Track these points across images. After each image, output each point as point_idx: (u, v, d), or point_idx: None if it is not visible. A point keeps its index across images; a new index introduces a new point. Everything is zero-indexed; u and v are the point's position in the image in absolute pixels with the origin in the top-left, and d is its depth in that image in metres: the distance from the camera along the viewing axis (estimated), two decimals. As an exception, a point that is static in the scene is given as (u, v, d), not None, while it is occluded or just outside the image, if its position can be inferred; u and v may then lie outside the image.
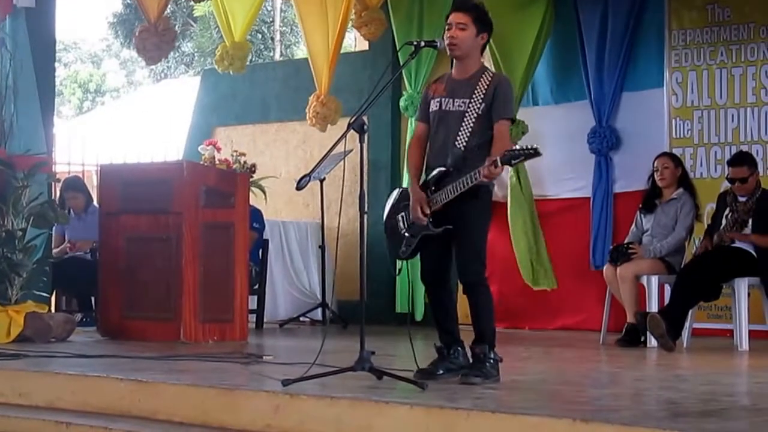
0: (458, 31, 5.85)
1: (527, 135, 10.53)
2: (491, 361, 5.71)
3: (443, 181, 5.77)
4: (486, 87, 5.80)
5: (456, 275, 5.84)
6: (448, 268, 5.90)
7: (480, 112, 5.77)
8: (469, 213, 5.75)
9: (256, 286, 10.02)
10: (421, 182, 5.89)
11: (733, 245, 8.48)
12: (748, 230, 8.45)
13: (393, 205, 6.05)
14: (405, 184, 10.96)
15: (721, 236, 8.51)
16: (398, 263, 5.98)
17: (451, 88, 5.90)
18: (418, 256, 5.95)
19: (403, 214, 5.94)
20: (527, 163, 10.35)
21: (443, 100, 5.88)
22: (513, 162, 5.61)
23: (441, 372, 5.80)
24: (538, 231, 10.54)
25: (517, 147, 5.66)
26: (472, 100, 5.80)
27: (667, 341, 7.95)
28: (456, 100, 5.84)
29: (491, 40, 6.10)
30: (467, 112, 5.79)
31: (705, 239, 8.63)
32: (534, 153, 5.56)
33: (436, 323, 5.99)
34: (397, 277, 10.82)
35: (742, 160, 8.63)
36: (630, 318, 8.66)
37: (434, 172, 5.83)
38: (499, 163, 5.54)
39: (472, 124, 5.77)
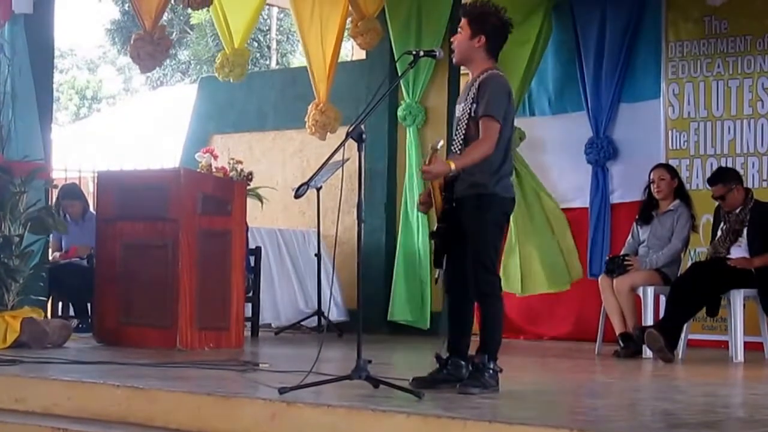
0: (456, 36, 5.88)
1: (525, 143, 10.55)
2: (490, 371, 5.67)
3: (453, 186, 5.76)
4: (478, 88, 5.76)
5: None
6: (467, 277, 5.78)
7: (472, 114, 5.75)
8: (472, 223, 5.72)
9: (250, 294, 10.00)
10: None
11: (728, 257, 8.48)
12: (742, 240, 8.44)
13: None
14: (401, 194, 11.05)
15: (715, 248, 8.52)
16: (435, 272, 5.94)
17: (461, 95, 5.94)
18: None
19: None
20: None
21: (456, 108, 5.93)
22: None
23: (439, 382, 5.77)
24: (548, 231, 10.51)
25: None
26: (466, 103, 5.80)
27: (666, 354, 7.96)
28: (460, 105, 5.89)
29: None
30: (463, 115, 5.81)
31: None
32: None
33: (448, 331, 5.93)
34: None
35: (716, 178, 8.66)
36: (618, 330, 8.65)
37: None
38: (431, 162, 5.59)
39: (465, 127, 5.77)
